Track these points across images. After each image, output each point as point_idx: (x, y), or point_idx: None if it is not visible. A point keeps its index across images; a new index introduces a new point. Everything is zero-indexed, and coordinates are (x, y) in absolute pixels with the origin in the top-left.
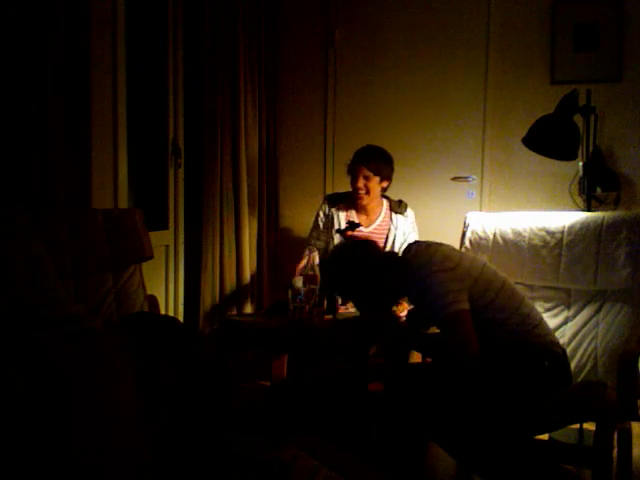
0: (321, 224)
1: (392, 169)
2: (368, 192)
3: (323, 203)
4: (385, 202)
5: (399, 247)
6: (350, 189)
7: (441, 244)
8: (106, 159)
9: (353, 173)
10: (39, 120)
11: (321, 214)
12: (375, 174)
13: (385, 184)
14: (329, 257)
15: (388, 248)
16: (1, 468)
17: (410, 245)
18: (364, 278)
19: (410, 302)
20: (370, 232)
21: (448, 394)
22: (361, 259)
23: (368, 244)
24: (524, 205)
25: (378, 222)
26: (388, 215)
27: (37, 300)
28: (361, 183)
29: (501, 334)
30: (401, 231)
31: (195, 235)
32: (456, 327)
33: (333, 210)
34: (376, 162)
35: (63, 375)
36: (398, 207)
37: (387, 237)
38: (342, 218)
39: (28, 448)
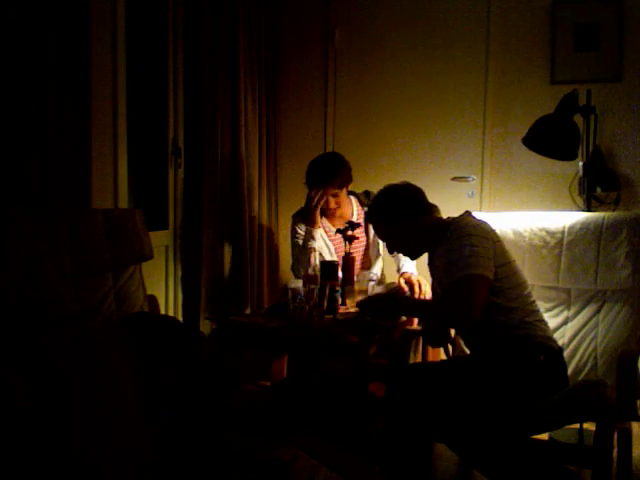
0: (301, 242)
1: (348, 167)
2: (340, 205)
3: (295, 223)
4: (352, 198)
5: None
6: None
7: (486, 222)
8: (106, 159)
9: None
10: (39, 120)
11: (299, 233)
12: (341, 188)
13: (349, 186)
14: (384, 188)
15: (370, 245)
16: (2, 468)
17: (464, 212)
18: (408, 210)
19: (432, 255)
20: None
21: (448, 392)
22: (412, 195)
23: (420, 190)
24: (524, 205)
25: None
26: (361, 211)
27: (37, 300)
28: (332, 203)
29: (503, 320)
30: None
31: (195, 235)
32: (471, 288)
33: (309, 228)
34: (338, 176)
35: (63, 375)
36: (368, 199)
37: (367, 231)
38: (321, 231)
39: (28, 448)
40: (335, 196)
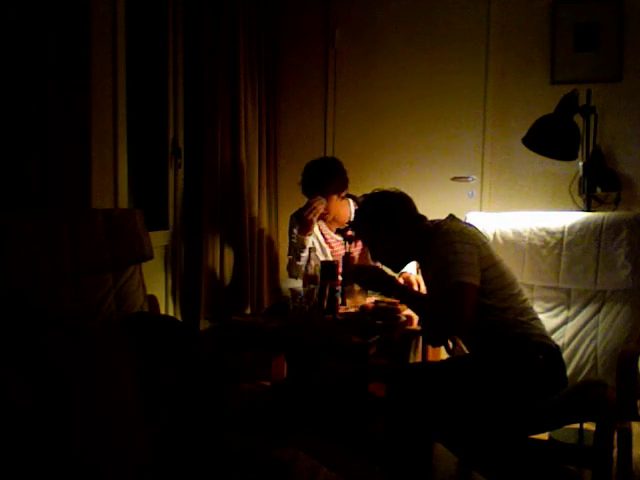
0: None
1: (343, 175)
2: (329, 211)
3: (293, 224)
4: (350, 201)
5: None
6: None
7: (472, 224)
8: (106, 159)
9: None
10: (39, 120)
11: (296, 233)
12: (334, 194)
13: (344, 193)
14: (372, 193)
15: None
16: (2, 468)
17: (447, 217)
18: (394, 220)
19: (421, 265)
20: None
21: (448, 392)
22: (399, 203)
23: (409, 199)
24: (524, 205)
25: None
26: None
27: (37, 300)
28: (326, 210)
29: (499, 320)
30: None
31: (195, 235)
32: (459, 296)
33: (301, 236)
34: (331, 184)
35: (63, 375)
36: None
37: None
38: (317, 232)
39: (28, 448)
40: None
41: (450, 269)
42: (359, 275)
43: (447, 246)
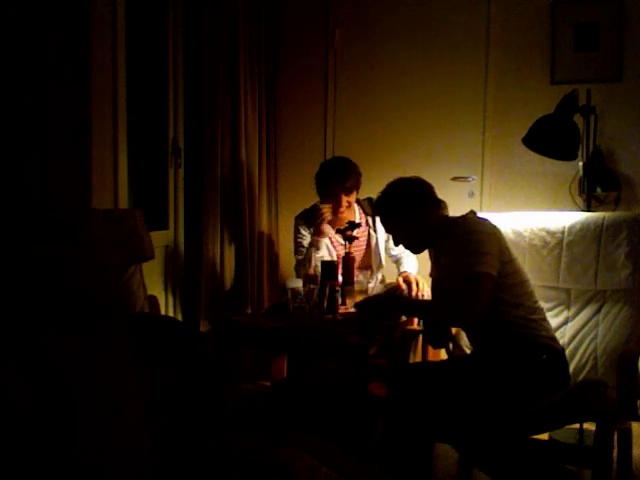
0: (304, 243)
1: (358, 169)
2: (349, 206)
3: (298, 225)
4: (355, 205)
5: (384, 250)
6: (317, 201)
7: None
8: (106, 159)
9: (333, 195)
10: (39, 120)
11: (302, 234)
12: (353, 189)
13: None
14: (393, 181)
15: (372, 254)
16: (3, 467)
17: (468, 212)
18: (416, 204)
19: (437, 252)
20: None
21: (449, 391)
22: (422, 188)
23: (429, 184)
24: (524, 205)
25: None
26: (363, 218)
27: (37, 301)
28: (344, 203)
29: (508, 317)
30: (382, 231)
31: (195, 235)
32: (476, 286)
33: (315, 238)
34: (351, 178)
35: (63, 375)
36: (370, 206)
37: (369, 242)
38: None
39: (28, 448)
40: (347, 195)
41: (469, 258)
42: (362, 310)
43: (468, 235)
